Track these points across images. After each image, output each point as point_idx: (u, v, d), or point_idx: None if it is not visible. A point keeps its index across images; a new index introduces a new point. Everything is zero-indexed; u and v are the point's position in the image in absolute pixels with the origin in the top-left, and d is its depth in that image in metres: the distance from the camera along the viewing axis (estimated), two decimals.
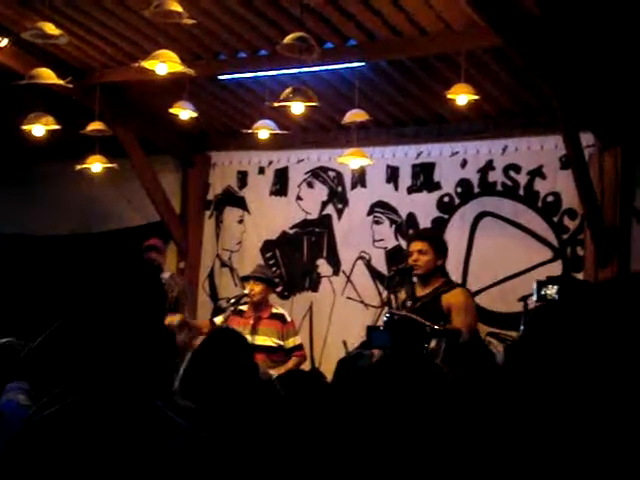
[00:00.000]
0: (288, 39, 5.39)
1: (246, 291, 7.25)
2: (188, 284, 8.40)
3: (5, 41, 7.07)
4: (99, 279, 2.55)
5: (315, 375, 4.70)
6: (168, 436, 2.15)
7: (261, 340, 7.06)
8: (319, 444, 3.06)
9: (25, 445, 2.21)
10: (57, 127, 7.27)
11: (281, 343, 7.18)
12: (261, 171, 9.11)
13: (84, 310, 2.53)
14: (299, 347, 7.35)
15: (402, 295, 6.62)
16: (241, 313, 7.25)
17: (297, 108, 6.51)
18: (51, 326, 3.33)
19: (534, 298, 5.52)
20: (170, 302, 7.63)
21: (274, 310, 7.35)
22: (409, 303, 6.39)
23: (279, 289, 8.54)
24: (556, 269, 7.67)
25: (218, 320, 7.32)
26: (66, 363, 3.04)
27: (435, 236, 6.73)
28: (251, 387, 3.16)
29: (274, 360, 7.06)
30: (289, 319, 7.43)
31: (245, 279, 7.52)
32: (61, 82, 6.37)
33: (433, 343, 5.92)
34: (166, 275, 7.95)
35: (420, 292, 6.37)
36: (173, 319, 7.31)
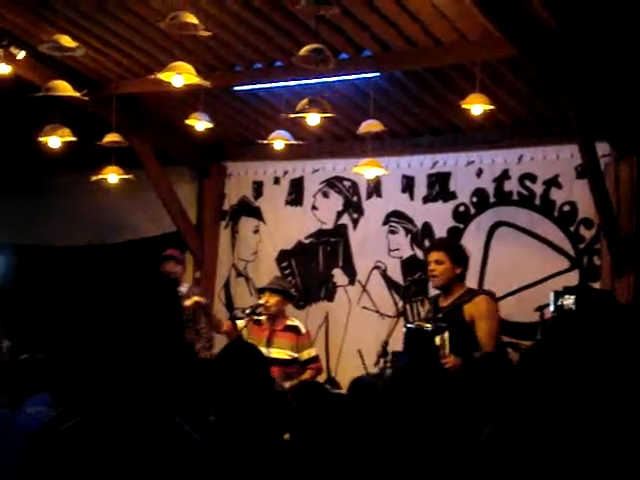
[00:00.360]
0: (303, 50, 5.41)
1: (261, 302, 7.23)
2: (205, 294, 8.39)
3: (22, 53, 7.12)
4: (116, 291, 2.55)
5: (324, 387, 4.70)
6: (185, 452, 2.15)
7: (275, 353, 7.02)
8: (333, 455, 3.06)
9: (40, 459, 2.22)
10: (73, 139, 7.31)
11: (295, 355, 7.13)
12: (276, 181, 9.13)
13: (101, 322, 2.53)
14: (314, 359, 7.31)
15: (426, 306, 6.63)
16: (259, 323, 7.23)
17: (313, 119, 6.52)
18: (68, 337, 3.35)
19: (551, 308, 5.50)
20: (187, 313, 7.62)
21: (289, 322, 7.29)
22: (430, 314, 6.38)
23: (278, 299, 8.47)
24: (573, 279, 7.65)
25: (240, 323, 7.28)
26: (85, 375, 3.06)
27: (452, 245, 6.69)
28: (267, 400, 3.16)
29: (289, 373, 7.03)
30: (304, 331, 7.37)
31: (261, 291, 7.50)
32: (77, 94, 6.40)
33: (437, 339, 5.95)
34: (184, 287, 7.94)
35: (443, 302, 6.34)
36: (196, 298, 7.26)
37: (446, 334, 5.88)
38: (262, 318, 7.21)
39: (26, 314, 9.58)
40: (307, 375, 7.14)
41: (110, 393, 2.27)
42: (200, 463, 2.19)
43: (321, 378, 8.46)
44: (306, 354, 7.20)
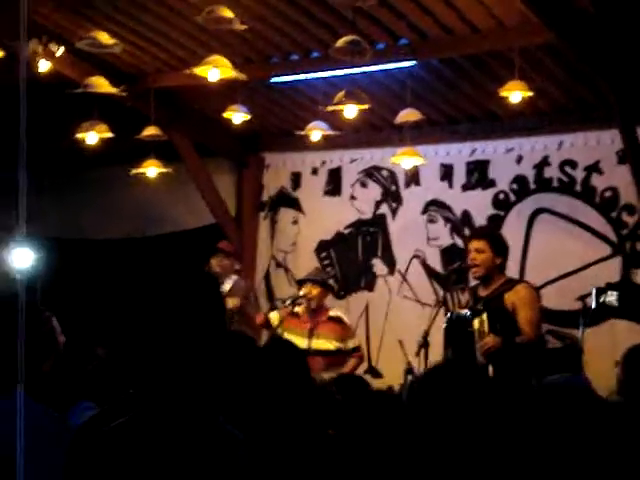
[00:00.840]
0: (340, 42, 5.40)
1: (301, 293, 7.22)
2: (252, 287, 8.39)
3: (61, 50, 7.18)
4: (158, 293, 2.56)
5: (364, 380, 4.69)
6: (228, 451, 2.16)
7: (320, 344, 7.03)
8: (375, 451, 3.06)
9: (86, 456, 2.24)
10: (110, 135, 7.37)
11: (341, 346, 7.12)
12: (314, 172, 9.13)
13: (144, 326, 2.54)
14: (358, 348, 7.31)
15: (465, 296, 6.61)
16: (297, 315, 7.21)
17: (350, 111, 6.52)
18: (112, 335, 3.38)
19: (593, 306, 5.43)
20: (234, 306, 7.65)
21: (331, 313, 7.27)
22: (470, 304, 6.35)
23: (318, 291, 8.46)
24: (615, 266, 7.58)
25: (273, 316, 7.29)
26: (130, 380, 3.09)
27: (493, 234, 6.60)
28: (308, 397, 3.17)
29: (333, 363, 7.03)
30: (347, 321, 7.38)
31: (301, 282, 7.48)
32: (115, 91, 6.45)
33: (476, 322, 5.94)
34: (230, 281, 7.92)
35: (482, 292, 6.29)
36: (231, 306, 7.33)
37: (484, 315, 5.87)
38: (299, 310, 7.20)
39: (70, 308, 9.66)
40: (351, 364, 7.15)
41: (156, 393, 2.29)
42: (243, 462, 2.20)
43: (362, 367, 8.48)
44: (351, 344, 7.20)
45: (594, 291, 4.77)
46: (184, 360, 2.30)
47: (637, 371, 4.45)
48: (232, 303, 7.51)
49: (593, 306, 5.24)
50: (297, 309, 7.21)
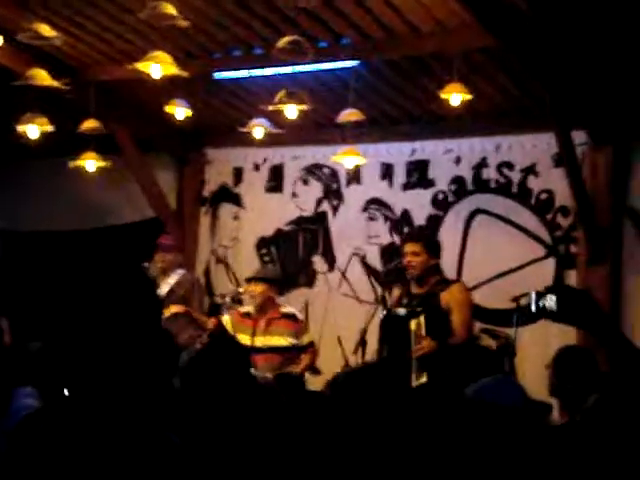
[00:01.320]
0: (282, 43, 5.43)
1: (241, 289, 7.23)
2: (197, 281, 8.34)
3: (0, 40, 7.08)
4: (95, 288, 2.57)
5: (303, 380, 4.72)
6: (164, 454, 2.19)
7: (275, 340, 7.01)
8: (321, 448, 3.10)
9: (21, 454, 2.25)
10: (51, 129, 7.30)
11: (295, 342, 7.09)
12: (256, 168, 9.14)
13: (84, 321, 2.55)
14: (312, 344, 7.28)
15: (396, 292, 6.67)
16: (249, 315, 7.17)
17: (291, 112, 6.56)
18: (56, 331, 3.38)
19: (532, 309, 5.53)
20: (178, 299, 7.63)
21: (283, 310, 7.24)
22: (405, 301, 6.44)
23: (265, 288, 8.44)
24: (549, 267, 7.73)
25: (225, 320, 7.25)
26: (70, 370, 3.09)
27: (428, 237, 6.78)
28: (249, 394, 3.20)
29: (288, 359, 7.01)
30: (300, 317, 7.36)
31: (248, 280, 7.40)
32: (57, 84, 6.40)
33: (413, 324, 6.04)
34: (176, 275, 7.86)
35: (416, 290, 6.41)
36: (173, 309, 7.32)
37: (422, 318, 5.96)
38: (250, 309, 7.18)
39: (5, 300, 9.57)
40: (306, 360, 7.11)
41: (90, 391, 2.30)
42: (179, 464, 2.22)
43: None
44: (306, 339, 7.18)
45: (533, 295, 4.86)
46: (118, 359, 2.32)
47: (567, 372, 4.57)
48: (175, 308, 7.49)
49: (533, 309, 5.35)
50: (248, 308, 7.19)
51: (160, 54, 5.80)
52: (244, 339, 6.96)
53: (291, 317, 7.19)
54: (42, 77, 6.38)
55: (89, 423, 2.19)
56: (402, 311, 6.17)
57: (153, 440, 2.20)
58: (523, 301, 6.16)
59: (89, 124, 7.71)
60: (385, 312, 6.50)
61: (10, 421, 3.40)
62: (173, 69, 5.83)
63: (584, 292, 2.55)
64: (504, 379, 3.79)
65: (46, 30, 5.87)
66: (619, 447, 2.35)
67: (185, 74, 6.06)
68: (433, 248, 6.44)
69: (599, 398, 2.51)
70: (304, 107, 6.30)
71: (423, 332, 5.99)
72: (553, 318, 2.46)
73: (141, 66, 5.80)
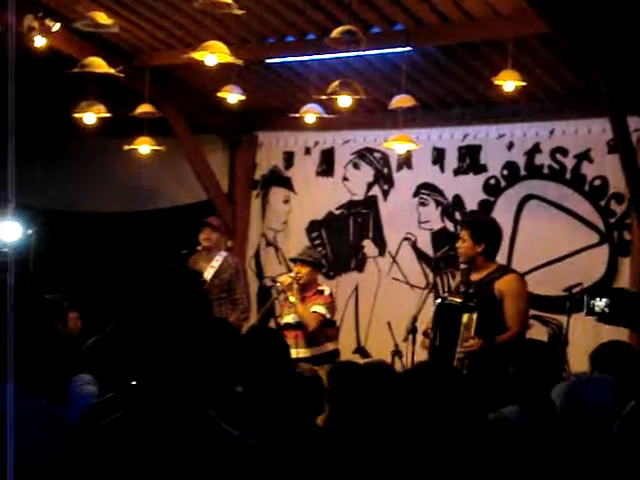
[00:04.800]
0: (335, 32, 5.44)
1: (292, 274, 7.25)
2: (241, 263, 8.34)
3: (57, 25, 7.18)
4: (148, 288, 2.61)
5: (360, 367, 4.73)
6: (218, 445, 2.24)
7: (308, 307, 6.98)
8: (365, 441, 3.14)
9: (84, 451, 2.32)
10: (107, 115, 7.40)
11: (326, 314, 7.04)
12: (307, 151, 9.17)
13: (138, 315, 2.60)
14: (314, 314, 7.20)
15: (458, 278, 6.64)
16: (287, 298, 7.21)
17: (344, 101, 6.58)
18: (115, 324, 3.44)
19: (584, 312, 5.44)
20: (223, 283, 7.67)
21: (319, 288, 7.28)
22: (462, 288, 6.39)
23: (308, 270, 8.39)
24: (602, 253, 7.67)
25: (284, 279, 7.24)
26: (126, 362, 3.16)
27: (474, 222, 6.61)
28: (290, 386, 3.24)
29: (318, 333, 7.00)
30: (327, 293, 7.30)
31: (292, 261, 7.47)
32: (112, 71, 6.48)
33: (465, 317, 5.98)
34: (220, 257, 7.85)
35: (474, 277, 6.34)
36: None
37: (475, 315, 5.89)
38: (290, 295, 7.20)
39: (60, 280, 9.72)
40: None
41: (150, 386, 2.36)
42: (234, 455, 2.28)
43: (350, 347, 8.56)
44: (313, 308, 7.07)
45: (585, 297, 4.79)
46: (177, 354, 2.37)
47: (603, 366, 4.51)
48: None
49: (585, 312, 5.26)
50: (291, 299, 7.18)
51: (215, 43, 5.85)
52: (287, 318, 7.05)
53: (321, 292, 7.16)
54: (98, 64, 6.48)
55: (161, 417, 2.25)
56: (457, 301, 6.10)
57: (216, 439, 2.25)
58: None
59: (143, 108, 7.82)
60: (440, 299, 6.46)
61: (73, 409, 3.48)
62: (228, 58, 5.88)
63: (637, 295, 2.51)
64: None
65: (102, 18, 5.95)
66: None
67: (239, 62, 6.10)
68: (479, 234, 6.24)
69: (636, 405, 2.50)
70: (357, 96, 6.30)
71: (473, 329, 5.92)
72: (604, 320, 2.44)
73: (197, 55, 5.85)
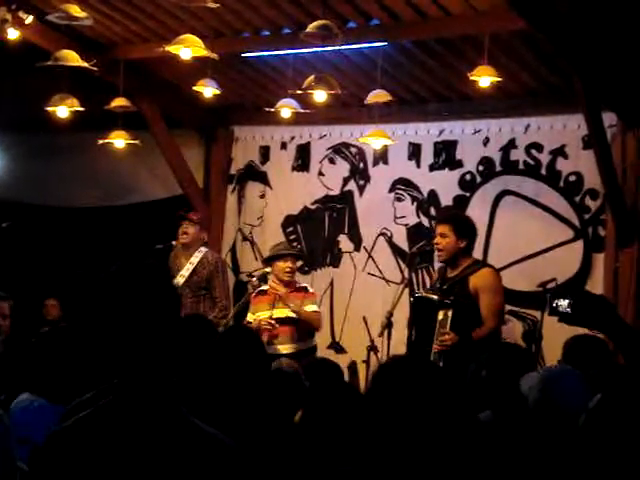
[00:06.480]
0: (311, 27, 5.42)
1: (268, 269, 7.19)
2: (221, 259, 8.26)
3: (30, 18, 7.11)
4: (112, 280, 2.54)
5: (338, 366, 4.72)
6: (192, 443, 2.21)
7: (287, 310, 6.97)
8: (345, 437, 3.12)
9: (60, 448, 2.28)
10: (81, 109, 7.33)
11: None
12: (283, 146, 9.14)
13: (103, 311, 2.54)
14: (316, 312, 7.19)
15: (434, 276, 6.66)
16: (264, 292, 7.15)
17: (319, 96, 6.55)
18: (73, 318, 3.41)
19: (547, 312, 5.48)
20: (201, 280, 7.62)
21: (298, 285, 7.25)
22: (438, 284, 6.41)
23: (300, 264, 8.46)
24: (577, 249, 7.70)
25: (251, 319, 7.17)
26: (88, 363, 3.13)
27: (456, 218, 6.66)
28: (267, 383, 3.22)
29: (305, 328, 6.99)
30: (311, 290, 7.30)
31: (274, 258, 7.27)
32: (86, 64, 6.42)
33: (441, 314, 5.99)
34: (199, 253, 7.77)
35: (450, 273, 6.37)
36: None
37: (450, 312, 5.91)
38: (265, 287, 7.18)
39: (29, 273, 9.66)
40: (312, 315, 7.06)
41: (118, 384, 2.32)
42: (209, 453, 2.25)
43: (325, 342, 8.54)
44: (309, 308, 7.08)
45: (548, 297, 4.83)
46: (147, 350, 2.33)
47: (574, 360, 4.55)
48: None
49: (547, 312, 5.29)
50: (264, 287, 7.18)
51: (189, 37, 5.81)
52: (263, 314, 6.98)
53: (303, 289, 7.14)
54: (71, 57, 6.41)
55: (131, 414, 2.22)
56: (434, 297, 6.11)
57: (190, 436, 2.23)
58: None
59: (118, 102, 7.76)
60: (417, 295, 6.47)
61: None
62: (203, 52, 5.84)
63: (600, 297, 2.53)
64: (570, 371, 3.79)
65: (76, 10, 5.90)
66: (619, 450, 2.35)
67: (214, 56, 6.06)
68: (462, 229, 6.30)
69: (601, 398, 2.50)
70: (333, 92, 6.28)
71: (448, 325, 5.94)
72: (565, 320, 2.46)
73: (171, 49, 5.82)
